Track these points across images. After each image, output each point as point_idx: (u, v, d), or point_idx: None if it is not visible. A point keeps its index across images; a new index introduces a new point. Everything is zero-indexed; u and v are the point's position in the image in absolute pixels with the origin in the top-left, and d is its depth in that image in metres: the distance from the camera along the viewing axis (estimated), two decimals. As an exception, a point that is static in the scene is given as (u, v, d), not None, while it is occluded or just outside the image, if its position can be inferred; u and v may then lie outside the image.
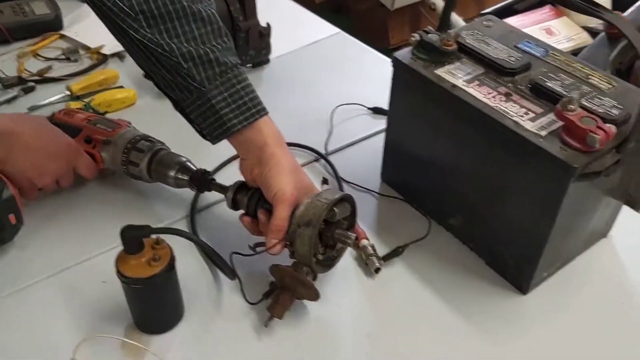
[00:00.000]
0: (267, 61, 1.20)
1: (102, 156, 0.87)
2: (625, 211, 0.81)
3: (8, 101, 1.07)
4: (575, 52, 1.76)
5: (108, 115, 1.00)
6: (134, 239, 0.65)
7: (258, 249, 0.74)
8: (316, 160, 0.97)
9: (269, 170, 0.71)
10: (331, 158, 0.96)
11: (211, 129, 0.72)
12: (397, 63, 0.77)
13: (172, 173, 0.82)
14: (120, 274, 0.65)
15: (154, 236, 0.67)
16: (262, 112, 0.73)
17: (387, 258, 0.79)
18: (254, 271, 0.76)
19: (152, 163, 0.83)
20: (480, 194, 0.75)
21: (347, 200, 0.74)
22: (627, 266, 0.80)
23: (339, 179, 0.91)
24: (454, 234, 0.83)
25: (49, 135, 0.82)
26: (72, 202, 0.87)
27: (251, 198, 0.76)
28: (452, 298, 0.75)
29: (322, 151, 0.97)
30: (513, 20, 1.91)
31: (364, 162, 0.94)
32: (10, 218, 0.77)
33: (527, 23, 1.96)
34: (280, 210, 0.70)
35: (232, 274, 0.74)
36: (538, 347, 0.70)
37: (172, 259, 0.67)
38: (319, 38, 1.28)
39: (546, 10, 2.02)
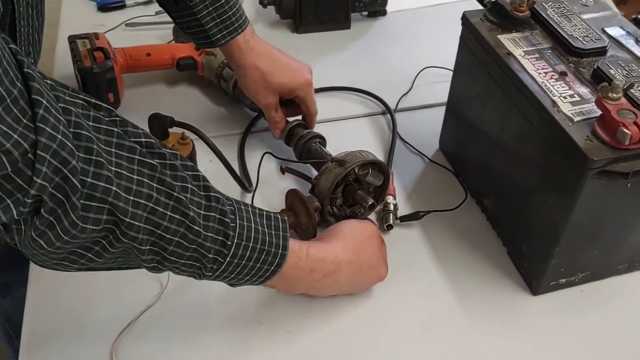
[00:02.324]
0: (383, 13, 1.19)
1: (202, 63, 0.94)
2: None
3: None
4: None
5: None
6: (158, 125, 0.71)
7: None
8: (383, 113, 0.95)
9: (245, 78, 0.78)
10: (398, 115, 0.94)
11: (196, 38, 0.76)
12: (465, 22, 0.73)
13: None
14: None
15: (179, 131, 0.72)
16: (243, 25, 0.75)
17: (405, 219, 0.77)
18: (271, 198, 0.79)
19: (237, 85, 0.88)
20: (513, 176, 0.69)
21: (384, 172, 0.74)
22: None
23: (394, 135, 0.89)
24: (486, 216, 0.78)
25: None
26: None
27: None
28: (456, 278, 0.71)
29: (393, 107, 0.95)
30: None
31: (430, 127, 0.90)
32: (109, 96, 0.87)
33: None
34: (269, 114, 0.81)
35: (248, 184, 0.78)
36: (525, 354, 0.64)
37: (193, 152, 0.72)
38: (446, 1, 1.23)
39: None
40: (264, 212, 0.56)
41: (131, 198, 0.44)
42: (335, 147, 0.77)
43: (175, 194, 0.47)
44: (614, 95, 0.55)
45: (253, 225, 0.53)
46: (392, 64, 1.06)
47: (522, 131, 0.65)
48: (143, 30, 1.11)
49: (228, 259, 0.51)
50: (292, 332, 0.65)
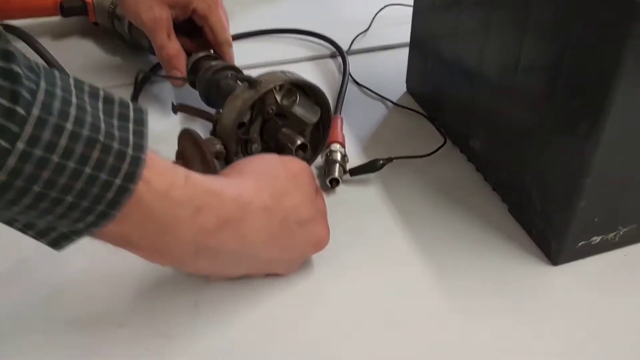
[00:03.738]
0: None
1: (93, 4, 0.72)
2: None
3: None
4: None
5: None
6: None
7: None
8: (332, 56, 0.73)
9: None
10: (353, 58, 0.71)
11: None
12: None
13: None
14: None
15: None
16: None
17: (357, 172, 0.53)
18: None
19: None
20: (508, 98, 0.46)
21: (321, 102, 0.51)
22: None
23: (345, 76, 0.66)
24: (475, 166, 0.54)
25: None
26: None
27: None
28: (433, 250, 0.47)
29: (345, 48, 0.72)
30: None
31: (392, 71, 0.68)
32: None
33: None
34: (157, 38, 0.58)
35: None
36: (549, 347, 0.40)
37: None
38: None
39: None
40: (101, 92, 0.32)
41: None
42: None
43: None
44: None
45: (75, 101, 0.29)
46: (344, 2, 0.84)
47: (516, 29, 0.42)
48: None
49: (21, 146, 0.27)
50: (170, 336, 0.40)
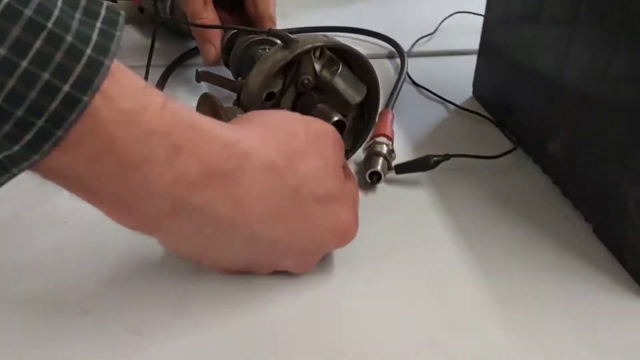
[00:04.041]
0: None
1: None
2: None
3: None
4: None
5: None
6: None
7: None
8: (390, 57, 0.64)
9: None
10: (413, 61, 0.63)
11: None
12: None
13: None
14: None
15: None
16: None
17: (403, 169, 0.44)
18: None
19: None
20: (599, 102, 0.36)
21: (369, 77, 0.42)
22: None
23: (401, 74, 0.57)
24: (551, 178, 0.44)
25: None
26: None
27: None
28: (498, 274, 0.36)
29: (406, 50, 0.64)
30: None
31: (456, 76, 0.60)
32: None
33: None
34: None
35: None
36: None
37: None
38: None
39: None
40: None
41: None
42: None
43: None
44: None
45: None
46: (410, 5, 0.77)
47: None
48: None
49: None
50: (141, 333, 0.31)
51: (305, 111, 0.41)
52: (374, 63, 0.43)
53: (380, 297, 0.33)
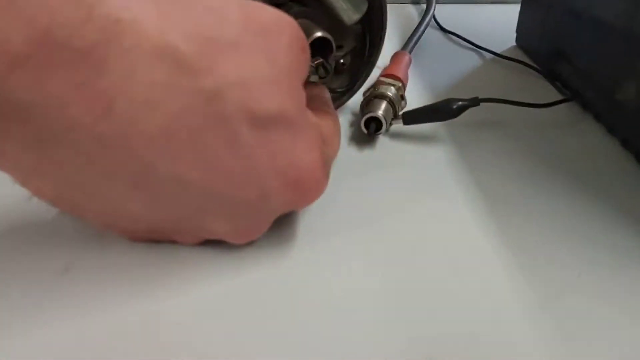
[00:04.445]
0: None
1: None
2: None
3: None
4: None
5: None
6: None
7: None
8: (415, 2, 0.53)
9: None
10: (443, 7, 0.51)
11: None
12: None
13: None
14: None
15: None
16: None
17: (414, 117, 0.32)
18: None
19: None
20: None
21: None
22: None
23: (425, 16, 0.46)
24: (621, 139, 0.32)
25: None
26: None
27: None
28: (537, 261, 0.24)
29: (435, -7, 0.52)
30: None
31: (493, 24, 0.48)
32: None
33: None
34: None
35: None
36: None
37: None
38: None
39: None
40: None
41: None
42: None
43: None
44: None
45: None
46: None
47: None
48: None
49: None
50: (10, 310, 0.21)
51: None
52: (394, 8, 0.32)
53: (357, 281, 0.22)
